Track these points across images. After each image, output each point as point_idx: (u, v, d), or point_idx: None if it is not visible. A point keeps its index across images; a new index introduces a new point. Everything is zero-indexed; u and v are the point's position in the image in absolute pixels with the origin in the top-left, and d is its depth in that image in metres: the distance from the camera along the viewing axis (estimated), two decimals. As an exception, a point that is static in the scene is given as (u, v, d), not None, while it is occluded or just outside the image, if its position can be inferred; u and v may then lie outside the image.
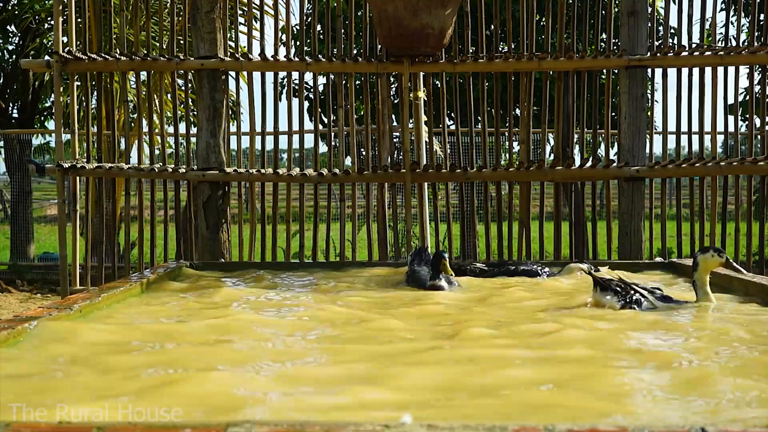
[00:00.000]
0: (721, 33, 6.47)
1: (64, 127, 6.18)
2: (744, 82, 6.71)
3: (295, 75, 5.84)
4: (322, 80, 6.09)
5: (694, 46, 5.61)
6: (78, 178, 6.08)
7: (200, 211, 5.66)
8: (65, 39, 5.73)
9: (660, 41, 5.75)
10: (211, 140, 5.65)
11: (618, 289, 3.03)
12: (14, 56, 13.59)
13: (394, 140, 8.94)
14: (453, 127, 5.98)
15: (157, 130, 5.91)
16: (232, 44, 8.38)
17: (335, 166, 5.92)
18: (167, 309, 3.09)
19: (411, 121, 5.74)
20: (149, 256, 5.86)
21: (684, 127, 5.89)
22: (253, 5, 5.97)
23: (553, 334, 2.48)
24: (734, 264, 3.21)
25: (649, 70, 5.66)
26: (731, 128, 6.44)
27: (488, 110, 5.96)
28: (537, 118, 8.20)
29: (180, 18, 6.11)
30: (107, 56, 5.66)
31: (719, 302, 3.18)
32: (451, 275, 3.77)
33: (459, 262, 4.58)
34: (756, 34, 5.70)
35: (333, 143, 5.90)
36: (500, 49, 5.84)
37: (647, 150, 5.74)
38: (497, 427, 1.24)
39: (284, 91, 6.09)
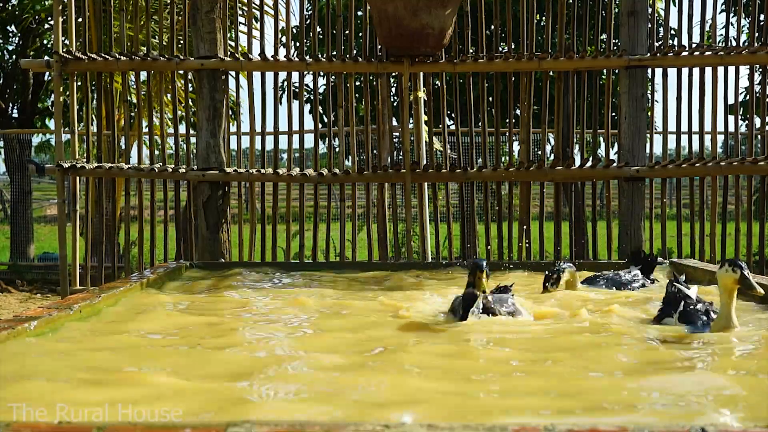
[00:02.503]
0: (722, 34, 6.46)
1: (64, 127, 6.17)
2: (744, 82, 6.71)
3: (295, 75, 5.84)
4: (322, 80, 6.09)
5: (694, 46, 5.61)
6: (78, 178, 6.08)
7: (200, 211, 5.66)
8: (65, 39, 5.73)
9: (660, 41, 5.75)
10: (211, 140, 5.65)
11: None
12: (14, 56, 13.58)
13: (394, 140, 8.94)
14: (453, 127, 5.97)
15: (157, 131, 5.91)
16: (232, 44, 8.36)
17: (335, 166, 5.92)
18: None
19: (411, 121, 5.74)
20: (149, 256, 5.86)
21: (684, 127, 5.89)
22: (253, 5, 5.96)
23: None
24: (751, 281, 2.48)
25: (649, 70, 5.66)
26: (731, 128, 6.43)
27: (488, 110, 5.95)
28: (537, 118, 8.19)
29: (180, 18, 6.11)
30: (107, 56, 5.65)
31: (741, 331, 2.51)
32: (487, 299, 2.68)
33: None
34: (756, 34, 5.69)
35: (333, 143, 5.90)
36: (500, 49, 5.84)
37: (647, 150, 5.73)
38: (497, 426, 1.24)
39: (284, 93, 6.07)
